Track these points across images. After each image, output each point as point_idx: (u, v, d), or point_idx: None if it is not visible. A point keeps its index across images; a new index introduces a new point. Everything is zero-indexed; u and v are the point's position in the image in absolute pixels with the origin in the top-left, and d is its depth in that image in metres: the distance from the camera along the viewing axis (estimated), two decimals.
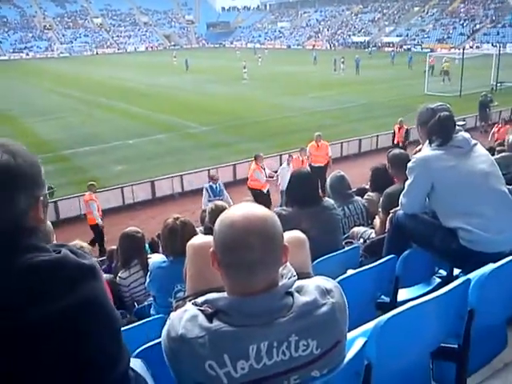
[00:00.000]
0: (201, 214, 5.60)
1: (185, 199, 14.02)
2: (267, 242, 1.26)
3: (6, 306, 1.07)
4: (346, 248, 3.64)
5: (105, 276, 3.45)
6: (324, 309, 1.30)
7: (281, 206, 4.25)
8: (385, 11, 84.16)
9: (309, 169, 11.74)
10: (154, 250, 7.11)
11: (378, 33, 77.72)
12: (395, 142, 16.37)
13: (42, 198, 1.22)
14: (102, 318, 1.20)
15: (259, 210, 1.31)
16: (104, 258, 7.02)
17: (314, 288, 1.34)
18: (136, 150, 19.32)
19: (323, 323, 1.29)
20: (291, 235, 1.77)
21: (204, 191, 11.08)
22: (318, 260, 2.98)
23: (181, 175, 14.89)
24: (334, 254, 3.37)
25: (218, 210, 3.92)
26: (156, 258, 4.27)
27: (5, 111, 29.43)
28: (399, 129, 16.49)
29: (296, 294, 1.32)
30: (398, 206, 3.11)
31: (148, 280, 3.32)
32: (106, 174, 16.28)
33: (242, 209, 1.31)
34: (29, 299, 1.08)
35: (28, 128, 24.42)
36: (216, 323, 1.26)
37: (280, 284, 1.31)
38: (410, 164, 2.97)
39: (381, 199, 3.71)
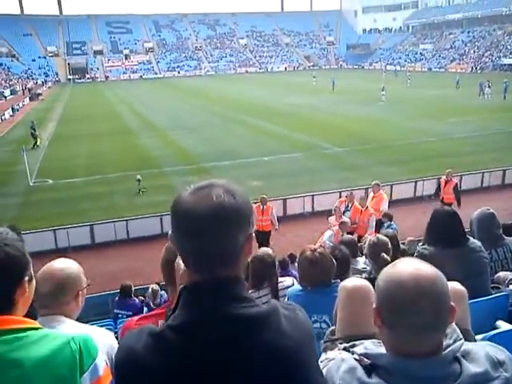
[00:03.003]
0: None
1: (314, 219, 14.09)
2: (437, 305, 1.20)
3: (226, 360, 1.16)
4: (494, 294, 3.39)
5: None
6: (496, 383, 1.21)
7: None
8: None
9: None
10: (284, 269, 7.27)
11: None
12: (440, 197, 12.87)
13: (253, 234, 1.29)
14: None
15: (428, 268, 1.26)
16: None
17: (485, 357, 1.25)
18: (271, 167, 19.94)
19: None
20: (451, 287, 1.69)
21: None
22: None
23: (312, 195, 15.02)
24: (480, 299, 3.16)
25: (381, 244, 3.86)
26: (288, 282, 4.35)
27: (156, 124, 32.43)
28: (446, 183, 12.80)
29: (464, 362, 1.24)
30: None
31: None
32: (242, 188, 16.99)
33: (410, 266, 1.26)
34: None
35: (175, 140, 26.57)
36: (376, 380, 1.23)
37: (447, 347, 1.24)
38: None
39: None
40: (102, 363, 1.44)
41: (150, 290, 7.85)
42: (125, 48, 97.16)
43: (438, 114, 31.41)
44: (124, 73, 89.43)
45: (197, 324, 1.18)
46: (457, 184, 12.96)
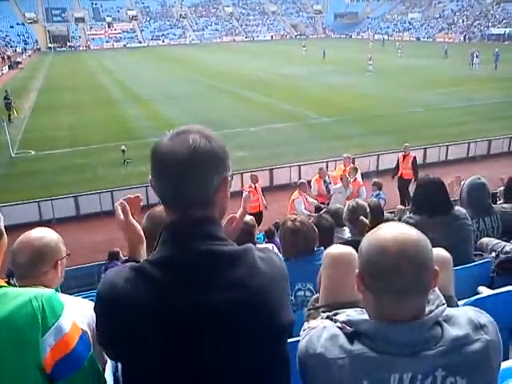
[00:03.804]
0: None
1: None
2: (420, 269, 1.19)
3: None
4: (477, 261, 3.41)
5: None
6: (477, 346, 1.21)
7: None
8: None
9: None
10: (270, 238, 7.29)
11: None
12: (399, 174, 12.38)
13: (229, 178, 1.33)
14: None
15: (411, 232, 1.24)
16: None
17: (466, 321, 1.25)
18: (257, 138, 19.82)
19: (475, 362, 1.20)
20: (436, 253, 1.66)
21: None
22: None
23: (299, 165, 14.99)
24: (463, 267, 3.18)
25: (359, 209, 3.86)
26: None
27: (140, 94, 31.95)
28: (404, 157, 12.33)
29: (445, 325, 1.23)
30: None
31: None
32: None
33: (394, 231, 1.23)
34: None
35: (159, 110, 26.23)
36: (358, 346, 1.22)
37: (429, 312, 1.24)
38: None
39: None
40: (69, 321, 1.38)
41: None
42: (107, 15, 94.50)
43: (427, 85, 31.31)
44: (107, 41, 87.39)
45: (172, 258, 1.25)
46: (415, 158, 12.45)
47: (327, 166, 13.36)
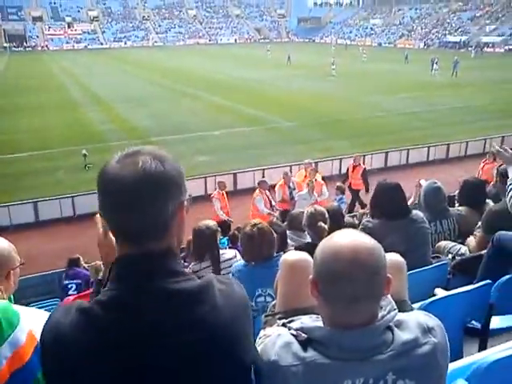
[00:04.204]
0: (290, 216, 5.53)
1: None
2: (372, 276, 1.20)
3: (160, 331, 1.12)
4: (434, 264, 3.50)
5: None
6: (425, 349, 1.23)
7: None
8: (487, 8, 79.11)
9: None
10: (234, 244, 7.27)
11: (477, 32, 73.21)
12: (348, 183, 12.08)
13: (185, 202, 1.23)
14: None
15: (366, 240, 1.25)
16: None
17: (416, 325, 1.27)
18: (220, 142, 19.72)
19: (423, 364, 1.23)
20: (389, 258, 1.65)
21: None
22: None
23: (263, 169, 15.02)
24: (421, 269, 3.25)
25: (318, 214, 3.90)
26: (229, 255, 4.33)
27: (101, 97, 31.34)
28: (354, 168, 11.98)
29: (396, 330, 1.25)
30: (502, 225, 2.91)
31: None
32: (188, 163, 16.65)
33: (348, 238, 1.25)
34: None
35: (121, 114, 25.81)
36: (311, 353, 1.22)
37: (380, 318, 1.26)
38: None
39: (483, 216, 3.51)
40: (24, 331, 1.35)
41: (93, 264, 7.71)
42: (67, 15, 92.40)
43: (388, 90, 31.93)
44: (67, 42, 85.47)
45: (127, 300, 1.13)
46: (365, 169, 12.12)
47: (291, 170, 13.41)
